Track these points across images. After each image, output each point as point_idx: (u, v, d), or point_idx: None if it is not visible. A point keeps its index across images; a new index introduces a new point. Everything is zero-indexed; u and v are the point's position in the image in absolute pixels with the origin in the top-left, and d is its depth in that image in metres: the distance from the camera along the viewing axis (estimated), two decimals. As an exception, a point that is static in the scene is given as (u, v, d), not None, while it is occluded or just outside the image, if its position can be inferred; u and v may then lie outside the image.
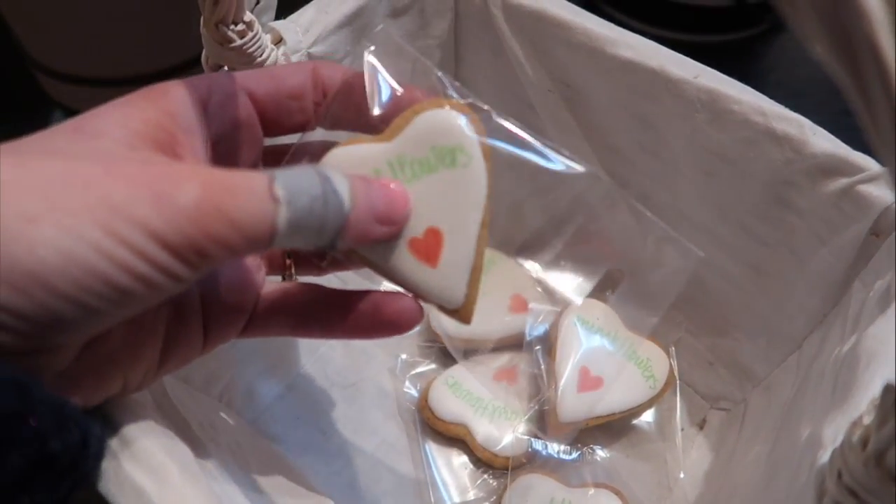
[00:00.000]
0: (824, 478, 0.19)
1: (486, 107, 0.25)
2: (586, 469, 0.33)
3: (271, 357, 0.36)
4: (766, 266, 0.33)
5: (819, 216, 0.29)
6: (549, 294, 0.40)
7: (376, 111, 0.24)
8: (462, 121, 0.23)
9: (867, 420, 0.18)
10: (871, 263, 0.28)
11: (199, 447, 0.24)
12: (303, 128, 0.24)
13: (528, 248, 0.42)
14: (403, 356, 0.39)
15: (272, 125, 0.24)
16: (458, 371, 0.37)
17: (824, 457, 0.20)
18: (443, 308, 0.24)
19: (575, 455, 0.34)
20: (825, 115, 0.29)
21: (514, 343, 0.38)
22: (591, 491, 0.32)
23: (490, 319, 0.38)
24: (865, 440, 0.18)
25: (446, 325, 0.38)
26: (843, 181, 0.28)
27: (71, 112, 0.49)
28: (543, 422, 0.35)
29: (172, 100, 0.20)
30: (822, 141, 0.28)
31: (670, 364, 0.35)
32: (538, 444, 0.34)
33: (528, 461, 0.34)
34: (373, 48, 0.24)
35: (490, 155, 0.24)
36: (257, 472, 0.28)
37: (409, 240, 0.23)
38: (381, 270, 0.24)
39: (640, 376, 0.34)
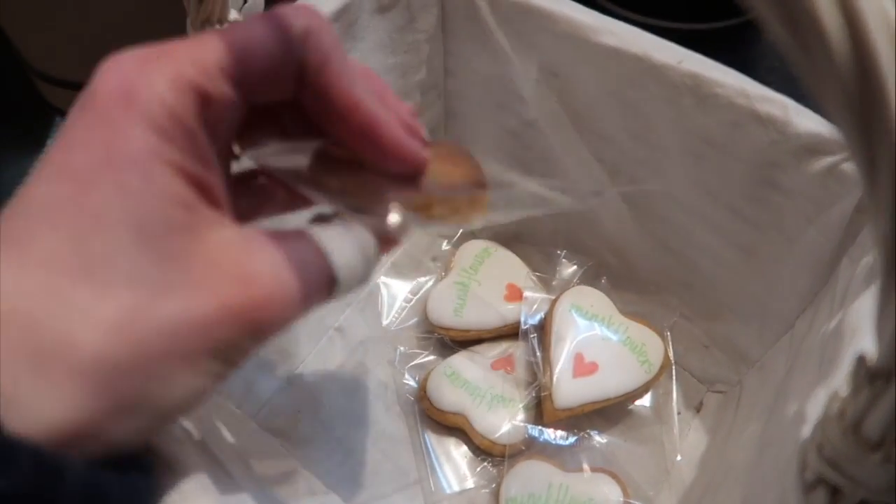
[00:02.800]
0: (807, 451, 0.20)
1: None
2: (584, 454, 0.34)
3: (271, 350, 0.37)
4: (756, 248, 0.33)
5: (806, 195, 0.30)
6: (544, 282, 0.40)
7: None
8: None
9: (844, 392, 0.18)
10: (859, 240, 0.28)
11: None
12: None
13: (521, 237, 0.43)
14: (402, 348, 0.39)
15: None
16: (456, 361, 0.37)
17: (807, 431, 0.21)
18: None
19: (572, 440, 0.34)
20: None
21: (511, 332, 0.39)
22: (588, 475, 0.32)
23: (486, 309, 0.39)
24: (843, 412, 0.18)
25: (444, 316, 0.38)
26: (827, 160, 0.28)
27: None
28: (540, 409, 0.35)
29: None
30: (806, 121, 0.28)
31: (665, 348, 0.36)
32: (535, 431, 0.34)
33: (527, 448, 0.35)
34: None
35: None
36: (265, 479, 0.29)
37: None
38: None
39: (635, 361, 0.35)
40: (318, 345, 0.39)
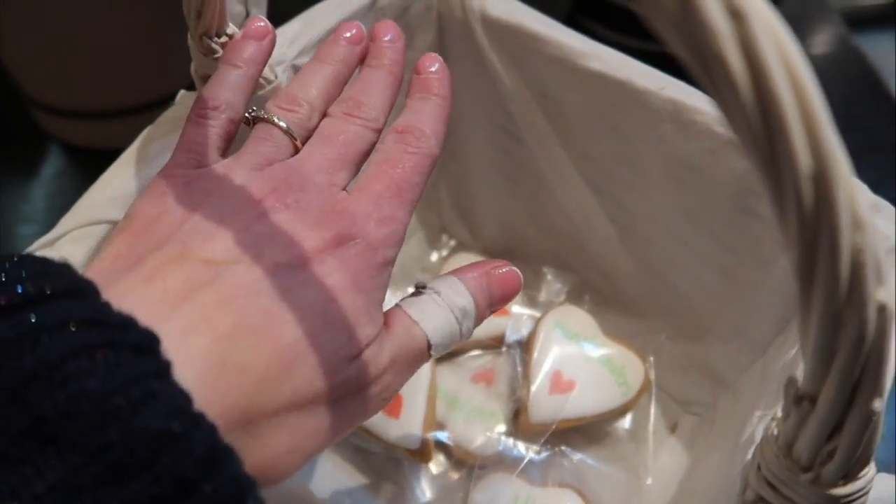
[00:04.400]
0: (748, 471, 0.20)
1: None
2: (553, 470, 0.34)
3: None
4: (734, 271, 0.34)
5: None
6: (530, 298, 0.41)
7: None
8: None
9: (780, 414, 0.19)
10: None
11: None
12: None
13: (511, 252, 0.43)
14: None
15: None
16: (440, 375, 0.38)
17: (751, 453, 0.21)
18: (407, 449, 0.34)
19: (544, 455, 0.35)
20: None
21: (493, 345, 0.39)
22: (554, 490, 0.33)
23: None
24: (777, 434, 0.18)
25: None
26: (801, 190, 0.29)
27: (67, 146, 0.50)
28: (517, 422, 0.36)
29: None
30: (782, 151, 0.29)
31: (646, 372, 0.36)
32: (508, 444, 0.35)
33: (499, 461, 0.35)
34: None
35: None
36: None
37: None
38: (361, 429, 0.34)
39: (614, 382, 0.35)
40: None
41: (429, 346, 0.22)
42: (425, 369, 0.36)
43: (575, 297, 0.41)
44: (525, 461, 0.34)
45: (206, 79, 0.30)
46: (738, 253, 0.33)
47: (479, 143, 0.41)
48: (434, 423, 0.36)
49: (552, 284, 0.41)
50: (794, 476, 0.18)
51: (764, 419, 0.22)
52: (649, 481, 0.35)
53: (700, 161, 0.32)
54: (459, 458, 0.36)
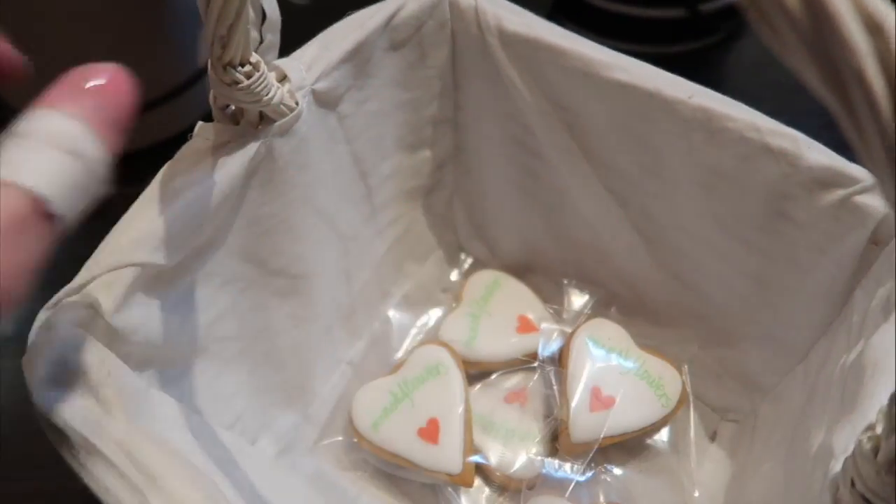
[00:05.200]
0: (838, 487, 0.20)
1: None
2: (600, 488, 0.34)
3: (286, 386, 0.36)
4: (768, 278, 0.33)
5: (818, 227, 0.30)
6: (556, 314, 0.40)
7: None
8: (439, 349, 0.37)
9: (879, 430, 0.18)
10: (872, 272, 0.28)
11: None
12: None
13: (531, 267, 0.43)
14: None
15: None
16: (471, 394, 0.37)
17: (837, 466, 0.21)
18: (448, 475, 0.34)
19: (589, 475, 0.34)
20: (785, 118, 0.30)
21: (522, 364, 0.38)
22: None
23: (497, 341, 0.39)
24: (876, 449, 0.18)
25: (456, 346, 0.38)
26: (839, 192, 0.29)
27: None
28: (556, 443, 0.35)
29: None
30: (817, 154, 0.29)
31: (683, 382, 0.36)
32: (551, 466, 0.34)
33: (542, 483, 0.35)
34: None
35: (462, 365, 0.37)
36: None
37: (417, 429, 0.34)
38: (399, 460, 0.34)
39: (653, 395, 0.35)
40: (330, 380, 0.39)
41: (44, 202, 0.15)
42: (459, 391, 0.35)
43: (601, 309, 0.40)
44: (570, 482, 0.33)
45: (224, 109, 0.29)
46: (772, 258, 0.33)
47: (495, 158, 0.40)
48: (472, 445, 0.35)
49: (577, 298, 0.41)
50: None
51: (840, 431, 0.22)
52: (696, 493, 0.34)
53: (732, 168, 0.31)
54: (501, 483, 0.35)
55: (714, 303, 0.37)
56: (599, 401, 0.34)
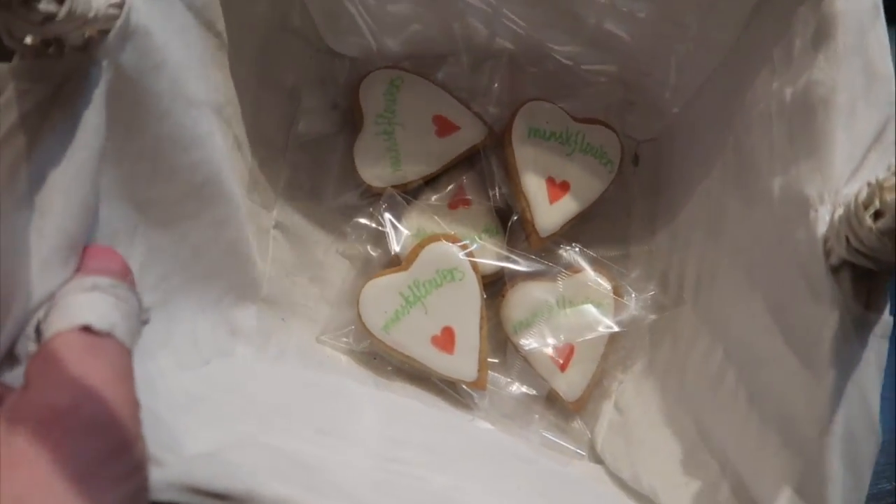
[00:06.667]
0: (828, 240, 0.23)
1: None
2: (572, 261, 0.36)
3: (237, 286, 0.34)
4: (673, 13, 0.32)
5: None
6: (465, 103, 0.38)
7: (395, 249, 0.36)
8: (454, 249, 0.34)
9: (877, 202, 0.20)
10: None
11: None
12: None
13: (425, 61, 0.39)
14: (352, 225, 0.37)
15: None
16: (416, 219, 0.36)
17: (820, 217, 0.23)
18: (463, 382, 0.34)
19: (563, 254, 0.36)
20: None
21: (450, 167, 0.37)
22: (578, 276, 0.35)
23: (421, 154, 0.37)
24: (868, 206, 0.20)
25: (383, 175, 0.36)
26: None
27: None
28: (526, 242, 0.37)
29: None
30: None
31: (619, 139, 0.36)
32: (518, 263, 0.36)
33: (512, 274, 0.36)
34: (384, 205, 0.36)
35: (478, 269, 0.35)
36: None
37: (430, 337, 0.34)
38: (414, 362, 0.34)
39: (598, 164, 0.35)
40: (267, 255, 0.36)
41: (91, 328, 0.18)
42: (476, 300, 0.34)
43: (509, 81, 0.38)
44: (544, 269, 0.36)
45: (32, 45, 0.21)
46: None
47: None
48: (488, 354, 0.35)
49: (475, 75, 0.38)
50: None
51: (809, 179, 0.24)
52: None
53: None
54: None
55: (619, 32, 0.35)
56: (555, 188, 0.34)
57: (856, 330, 0.22)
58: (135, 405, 0.18)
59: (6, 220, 0.20)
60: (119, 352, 0.18)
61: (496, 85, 0.38)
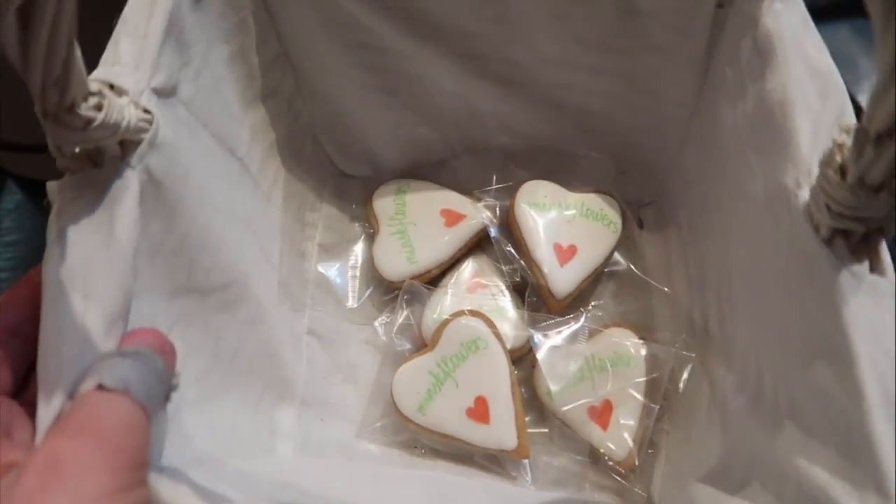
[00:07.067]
0: (812, 213, 0.23)
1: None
2: (596, 319, 0.37)
3: (271, 383, 0.35)
4: (636, 71, 0.36)
5: (665, 8, 0.33)
6: (477, 199, 0.40)
7: (423, 336, 0.37)
8: (475, 321, 0.36)
9: (838, 157, 0.21)
10: (726, 31, 0.32)
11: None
12: None
13: (417, 166, 0.43)
14: (379, 321, 0.39)
15: None
16: (439, 304, 0.38)
17: (801, 198, 0.24)
18: (504, 451, 0.34)
19: (582, 321, 0.37)
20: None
21: (463, 255, 0.40)
22: (603, 334, 0.36)
23: (435, 244, 0.39)
24: (843, 171, 0.21)
25: (400, 268, 0.39)
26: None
27: (23, 180, 0.49)
28: (544, 309, 0.38)
29: None
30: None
31: (619, 202, 0.39)
32: (546, 329, 0.37)
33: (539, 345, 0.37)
34: (406, 297, 0.38)
35: (502, 337, 0.36)
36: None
37: (465, 409, 0.34)
38: (453, 440, 0.34)
39: (602, 226, 0.38)
40: (301, 359, 0.38)
41: (144, 405, 0.20)
42: (503, 365, 0.35)
43: (497, 165, 0.41)
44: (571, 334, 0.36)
45: (72, 157, 0.25)
46: (635, 54, 0.35)
47: (341, 71, 0.38)
48: (524, 416, 0.35)
49: (474, 172, 0.42)
50: (868, 198, 0.21)
51: (785, 171, 0.25)
52: (666, 290, 0.39)
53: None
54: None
55: (597, 113, 0.39)
56: (564, 252, 0.36)
57: (870, 295, 0.22)
58: (139, 453, 0.20)
59: (55, 302, 0.22)
60: (131, 407, 0.20)
61: (494, 177, 0.41)
